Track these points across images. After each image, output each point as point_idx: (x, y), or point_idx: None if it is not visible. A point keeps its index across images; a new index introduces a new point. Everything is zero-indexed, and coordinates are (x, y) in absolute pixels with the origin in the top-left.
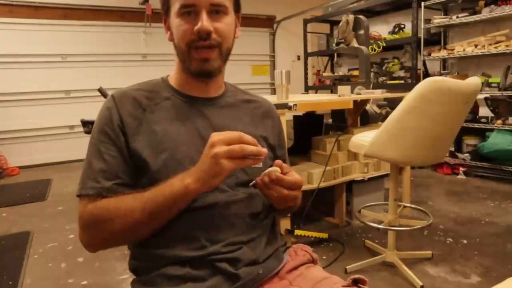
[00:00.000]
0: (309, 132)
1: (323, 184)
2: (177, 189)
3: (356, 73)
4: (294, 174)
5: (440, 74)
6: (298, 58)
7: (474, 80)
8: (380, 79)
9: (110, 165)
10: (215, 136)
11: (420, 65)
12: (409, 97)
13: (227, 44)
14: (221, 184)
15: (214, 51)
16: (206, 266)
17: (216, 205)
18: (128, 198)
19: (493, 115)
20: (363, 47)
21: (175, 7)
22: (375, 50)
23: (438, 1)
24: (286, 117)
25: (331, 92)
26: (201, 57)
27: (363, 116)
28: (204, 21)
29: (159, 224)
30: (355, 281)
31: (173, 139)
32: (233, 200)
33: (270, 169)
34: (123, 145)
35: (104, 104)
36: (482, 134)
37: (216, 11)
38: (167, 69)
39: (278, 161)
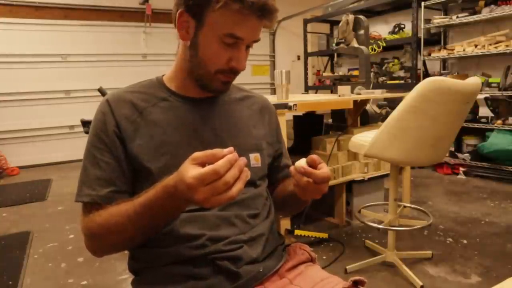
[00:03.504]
0: (309, 132)
1: None
2: (168, 207)
3: (356, 73)
4: (324, 167)
5: (440, 74)
6: (298, 58)
7: (474, 80)
8: (380, 79)
9: (105, 172)
10: (189, 179)
11: (420, 65)
12: (409, 97)
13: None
14: None
15: (235, 76)
16: (208, 264)
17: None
18: (117, 213)
19: (493, 115)
20: (363, 47)
21: (220, 29)
22: (375, 50)
23: (438, 1)
24: (286, 117)
25: (331, 92)
26: (224, 81)
27: (363, 116)
28: (244, 61)
29: (155, 233)
30: (355, 283)
31: (172, 142)
32: (234, 200)
33: (297, 162)
34: (119, 151)
35: (98, 108)
36: (482, 134)
37: (247, 46)
38: (167, 69)
39: (313, 156)
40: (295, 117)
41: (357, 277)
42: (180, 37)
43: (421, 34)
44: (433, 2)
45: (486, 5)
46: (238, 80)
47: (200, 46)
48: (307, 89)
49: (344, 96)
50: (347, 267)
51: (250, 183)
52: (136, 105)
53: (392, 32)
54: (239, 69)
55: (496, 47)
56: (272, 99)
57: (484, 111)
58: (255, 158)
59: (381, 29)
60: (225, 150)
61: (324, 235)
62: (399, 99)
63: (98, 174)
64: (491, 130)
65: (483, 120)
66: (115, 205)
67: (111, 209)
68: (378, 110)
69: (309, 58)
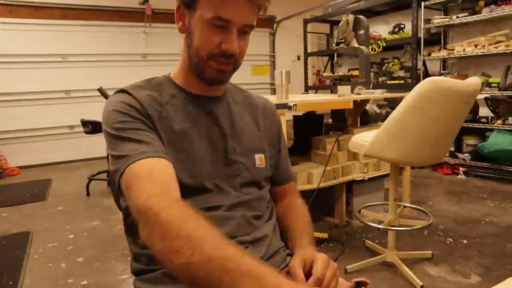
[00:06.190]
0: (309, 132)
1: (323, 184)
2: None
3: (356, 73)
4: (330, 266)
5: (440, 74)
6: (298, 58)
7: (474, 80)
8: (380, 79)
9: (149, 139)
10: None
11: (420, 65)
12: (409, 97)
13: (242, 60)
14: (226, 186)
15: (230, 65)
16: None
17: (221, 207)
18: (215, 238)
19: (493, 115)
20: (363, 47)
21: (206, 13)
22: (375, 50)
23: (438, 1)
24: (286, 117)
25: (331, 92)
26: (218, 69)
27: (363, 116)
28: (235, 43)
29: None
30: (358, 284)
31: (188, 139)
32: (237, 202)
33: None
34: (150, 124)
35: (117, 99)
36: (482, 134)
37: (243, 32)
38: (167, 69)
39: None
40: (295, 117)
41: (360, 278)
42: (178, 29)
43: (421, 34)
44: (433, 2)
45: (486, 5)
46: (238, 80)
47: (194, 34)
48: (307, 89)
49: (344, 96)
50: (347, 267)
51: (255, 184)
52: (155, 98)
53: (392, 32)
54: (230, 51)
55: (496, 47)
56: (272, 99)
57: (484, 111)
58: (259, 159)
59: (381, 29)
60: None
61: (324, 235)
62: (399, 99)
63: (141, 137)
64: (491, 130)
65: (483, 120)
66: (208, 223)
67: (203, 223)
68: (378, 110)
69: (309, 58)
